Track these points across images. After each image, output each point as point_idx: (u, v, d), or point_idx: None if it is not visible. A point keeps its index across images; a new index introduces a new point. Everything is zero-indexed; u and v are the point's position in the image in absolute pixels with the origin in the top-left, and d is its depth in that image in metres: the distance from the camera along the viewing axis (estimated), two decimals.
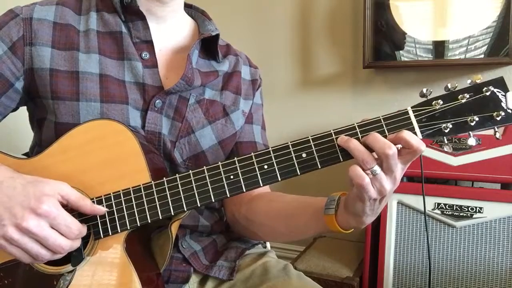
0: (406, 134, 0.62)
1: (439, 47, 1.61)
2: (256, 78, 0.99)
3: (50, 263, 0.70)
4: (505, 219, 1.35)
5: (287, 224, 0.84)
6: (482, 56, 1.56)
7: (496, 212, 1.35)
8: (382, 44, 1.69)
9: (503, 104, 0.63)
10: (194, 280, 0.85)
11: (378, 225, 1.49)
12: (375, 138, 0.63)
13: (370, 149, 0.64)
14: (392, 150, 0.62)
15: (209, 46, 0.91)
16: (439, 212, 1.41)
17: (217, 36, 0.91)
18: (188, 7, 0.97)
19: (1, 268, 0.73)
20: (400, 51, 1.67)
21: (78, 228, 0.67)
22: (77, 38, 0.81)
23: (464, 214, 1.38)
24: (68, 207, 0.68)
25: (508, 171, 1.33)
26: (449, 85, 0.64)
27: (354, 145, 0.64)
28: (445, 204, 1.40)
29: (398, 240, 1.47)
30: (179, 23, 0.92)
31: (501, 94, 0.63)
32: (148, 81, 0.82)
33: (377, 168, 0.63)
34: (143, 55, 0.84)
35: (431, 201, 1.41)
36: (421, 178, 1.30)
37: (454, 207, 1.39)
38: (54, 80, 0.78)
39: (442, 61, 1.62)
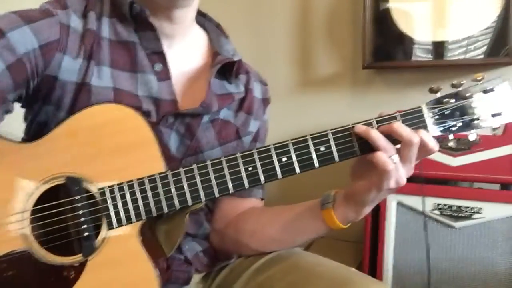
0: (423, 133, 0.64)
1: (439, 47, 1.60)
2: (266, 97, 0.97)
3: (57, 253, 0.68)
4: (505, 219, 1.34)
5: (281, 228, 0.82)
6: (482, 56, 1.56)
7: (495, 213, 1.34)
8: (382, 45, 1.69)
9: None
10: (195, 279, 0.85)
11: (377, 225, 1.48)
12: (401, 126, 0.64)
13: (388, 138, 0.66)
14: (417, 138, 0.64)
15: (224, 66, 0.86)
16: (438, 212, 1.41)
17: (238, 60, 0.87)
18: (202, 16, 0.93)
19: (3, 259, 0.67)
20: (400, 52, 1.66)
21: None
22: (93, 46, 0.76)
23: (464, 215, 1.38)
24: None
25: (508, 172, 1.33)
26: (454, 82, 0.67)
27: (376, 134, 0.65)
28: (444, 205, 1.40)
29: (397, 241, 1.46)
30: (191, 39, 0.88)
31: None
32: (162, 96, 0.80)
33: (395, 157, 0.65)
34: (156, 66, 0.80)
35: (430, 202, 1.40)
36: (420, 179, 1.30)
37: (454, 208, 1.39)
38: (81, 95, 0.74)
39: (442, 62, 1.62)
